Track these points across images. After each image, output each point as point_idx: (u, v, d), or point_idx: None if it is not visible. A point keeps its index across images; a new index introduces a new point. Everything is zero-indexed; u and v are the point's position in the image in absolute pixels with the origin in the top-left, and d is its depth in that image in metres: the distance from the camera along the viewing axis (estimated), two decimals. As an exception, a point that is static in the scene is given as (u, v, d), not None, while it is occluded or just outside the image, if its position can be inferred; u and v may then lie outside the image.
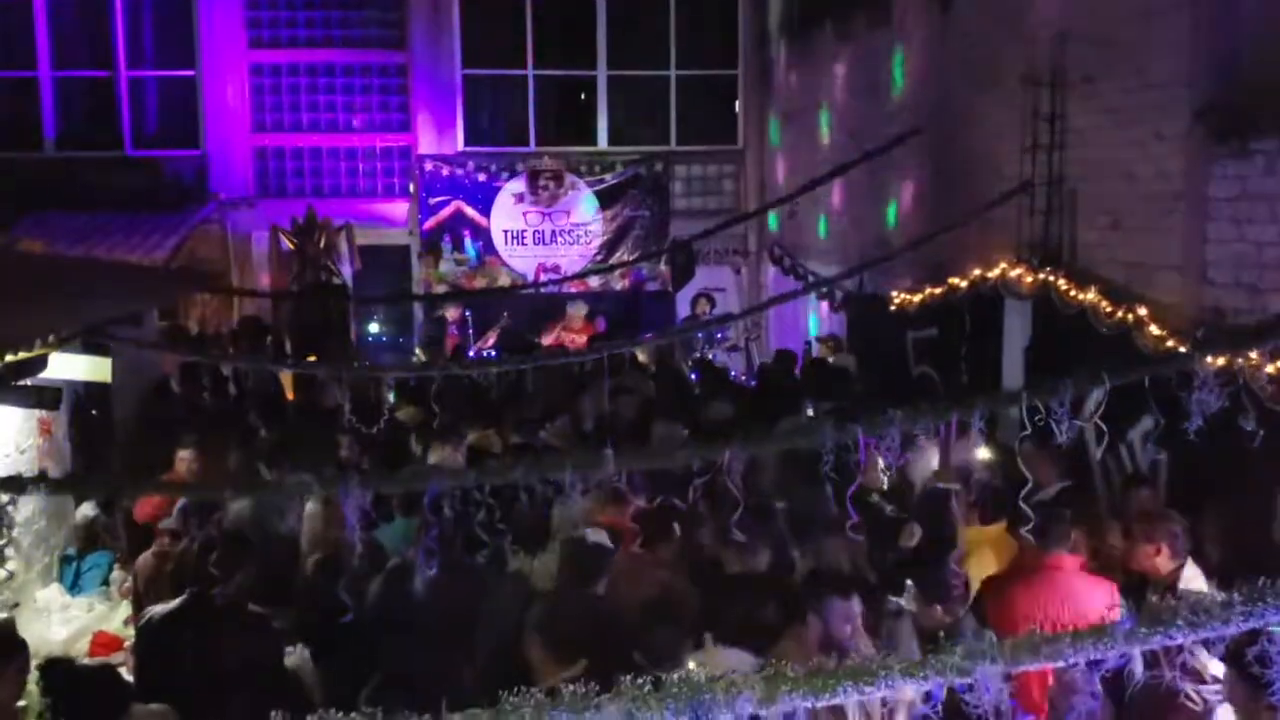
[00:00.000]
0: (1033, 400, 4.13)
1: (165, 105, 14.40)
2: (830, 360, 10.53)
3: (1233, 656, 2.11)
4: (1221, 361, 4.69)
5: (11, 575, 5.84)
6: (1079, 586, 4.71)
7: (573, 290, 13.78)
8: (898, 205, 10.38)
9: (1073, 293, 6.94)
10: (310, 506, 5.63)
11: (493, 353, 12.18)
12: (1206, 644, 2.15)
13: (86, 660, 5.60)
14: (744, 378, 11.70)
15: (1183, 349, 5.45)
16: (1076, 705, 2.02)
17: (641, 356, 10.81)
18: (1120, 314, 6.42)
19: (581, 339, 12.05)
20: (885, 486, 5.98)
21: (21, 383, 5.65)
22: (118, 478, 6.24)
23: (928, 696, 2.07)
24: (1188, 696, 2.05)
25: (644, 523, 4.74)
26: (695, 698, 2.00)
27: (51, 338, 5.50)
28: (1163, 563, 4.71)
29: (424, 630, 4.37)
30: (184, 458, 6.84)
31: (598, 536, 4.85)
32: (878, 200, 10.70)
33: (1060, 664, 2.13)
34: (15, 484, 3.87)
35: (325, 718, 2.04)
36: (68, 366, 6.60)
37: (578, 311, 12.80)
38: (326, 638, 4.71)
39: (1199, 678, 2.02)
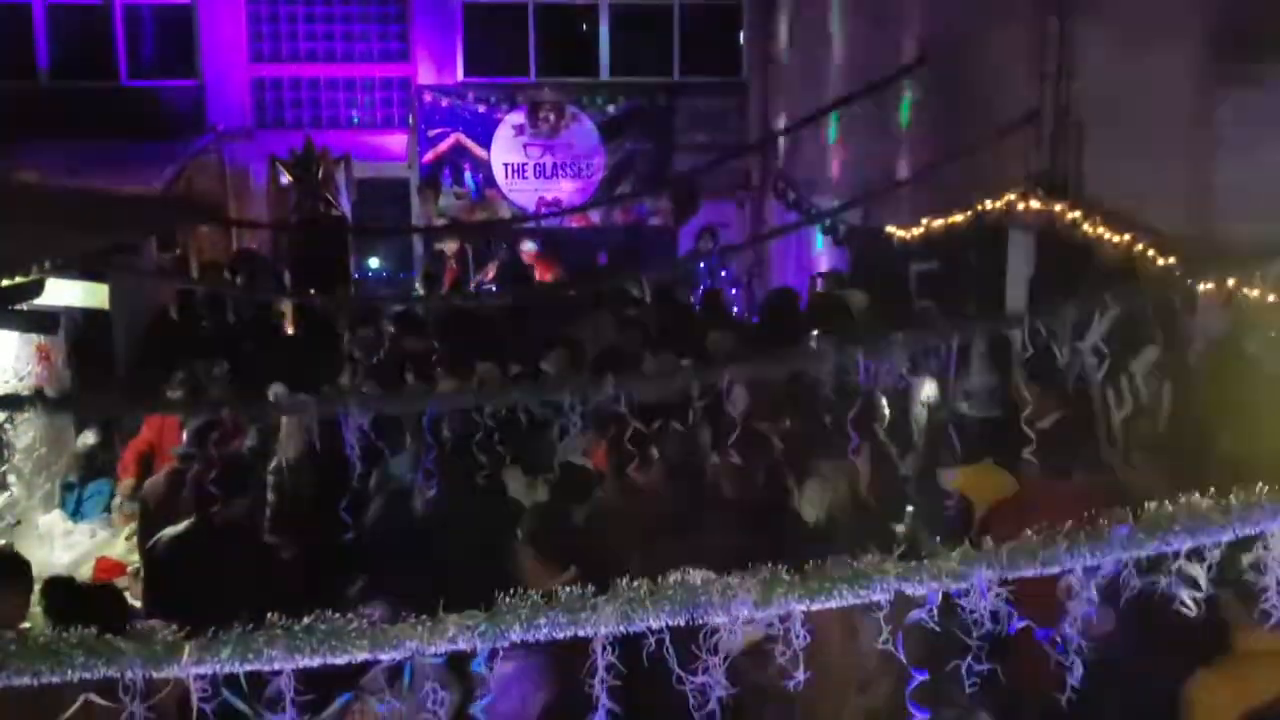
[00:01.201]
0: (1035, 323, 4.11)
1: (161, 34, 14.18)
2: (836, 294, 10.45)
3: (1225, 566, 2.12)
4: (1226, 287, 4.67)
5: (12, 494, 5.88)
6: (1078, 515, 4.70)
7: (573, 224, 13.68)
8: (902, 137, 10.25)
9: (1078, 223, 6.87)
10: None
11: (492, 287, 12.13)
12: (1200, 555, 2.15)
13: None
14: (746, 314, 11.65)
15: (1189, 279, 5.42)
16: (1073, 610, 2.03)
17: (638, 292, 10.75)
18: (1126, 243, 6.37)
19: (541, 273, 11.99)
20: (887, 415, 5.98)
21: (18, 307, 5.63)
22: (113, 398, 6.24)
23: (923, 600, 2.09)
24: (1183, 603, 2.05)
25: (640, 446, 4.77)
26: (691, 599, 2.02)
27: (47, 264, 5.48)
28: (1161, 493, 4.70)
29: (422, 548, 4.42)
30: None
31: (580, 460, 4.96)
32: (883, 132, 10.56)
33: (1056, 570, 2.13)
34: (12, 402, 3.88)
35: (325, 617, 2.05)
36: (64, 292, 6.58)
37: (527, 249, 12.58)
38: (326, 556, 4.76)
39: (1195, 584, 2.02)
